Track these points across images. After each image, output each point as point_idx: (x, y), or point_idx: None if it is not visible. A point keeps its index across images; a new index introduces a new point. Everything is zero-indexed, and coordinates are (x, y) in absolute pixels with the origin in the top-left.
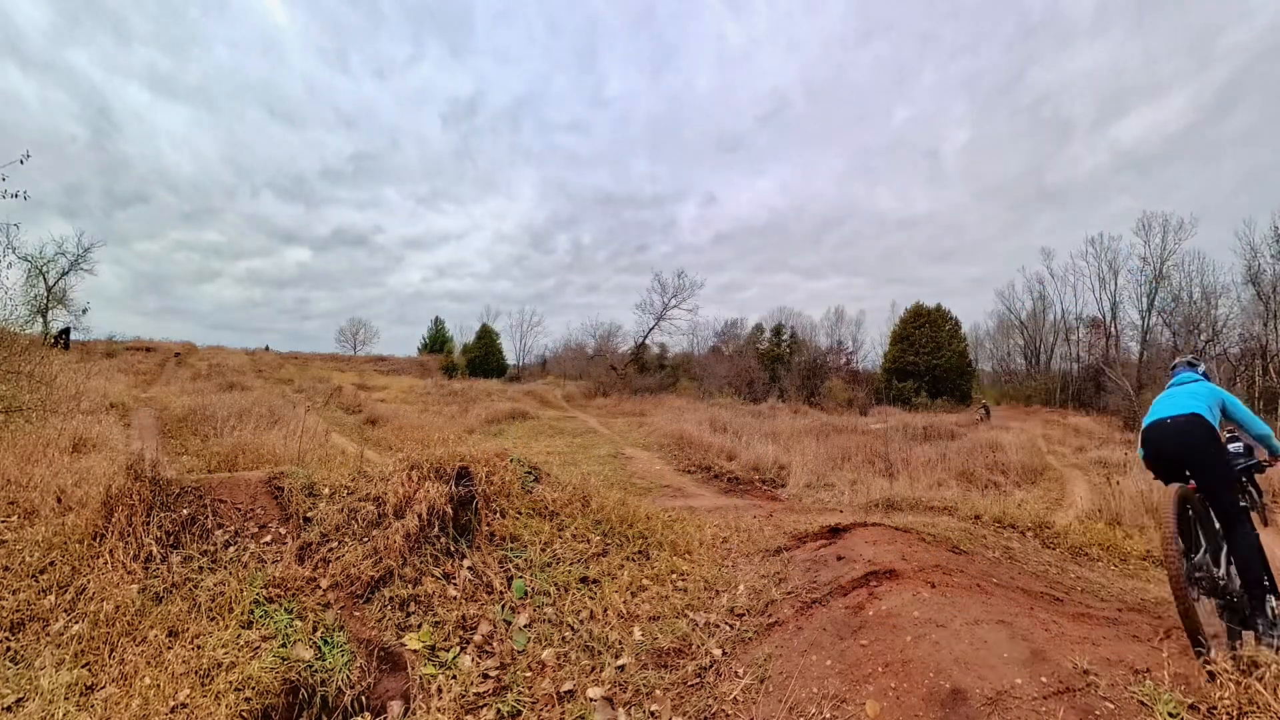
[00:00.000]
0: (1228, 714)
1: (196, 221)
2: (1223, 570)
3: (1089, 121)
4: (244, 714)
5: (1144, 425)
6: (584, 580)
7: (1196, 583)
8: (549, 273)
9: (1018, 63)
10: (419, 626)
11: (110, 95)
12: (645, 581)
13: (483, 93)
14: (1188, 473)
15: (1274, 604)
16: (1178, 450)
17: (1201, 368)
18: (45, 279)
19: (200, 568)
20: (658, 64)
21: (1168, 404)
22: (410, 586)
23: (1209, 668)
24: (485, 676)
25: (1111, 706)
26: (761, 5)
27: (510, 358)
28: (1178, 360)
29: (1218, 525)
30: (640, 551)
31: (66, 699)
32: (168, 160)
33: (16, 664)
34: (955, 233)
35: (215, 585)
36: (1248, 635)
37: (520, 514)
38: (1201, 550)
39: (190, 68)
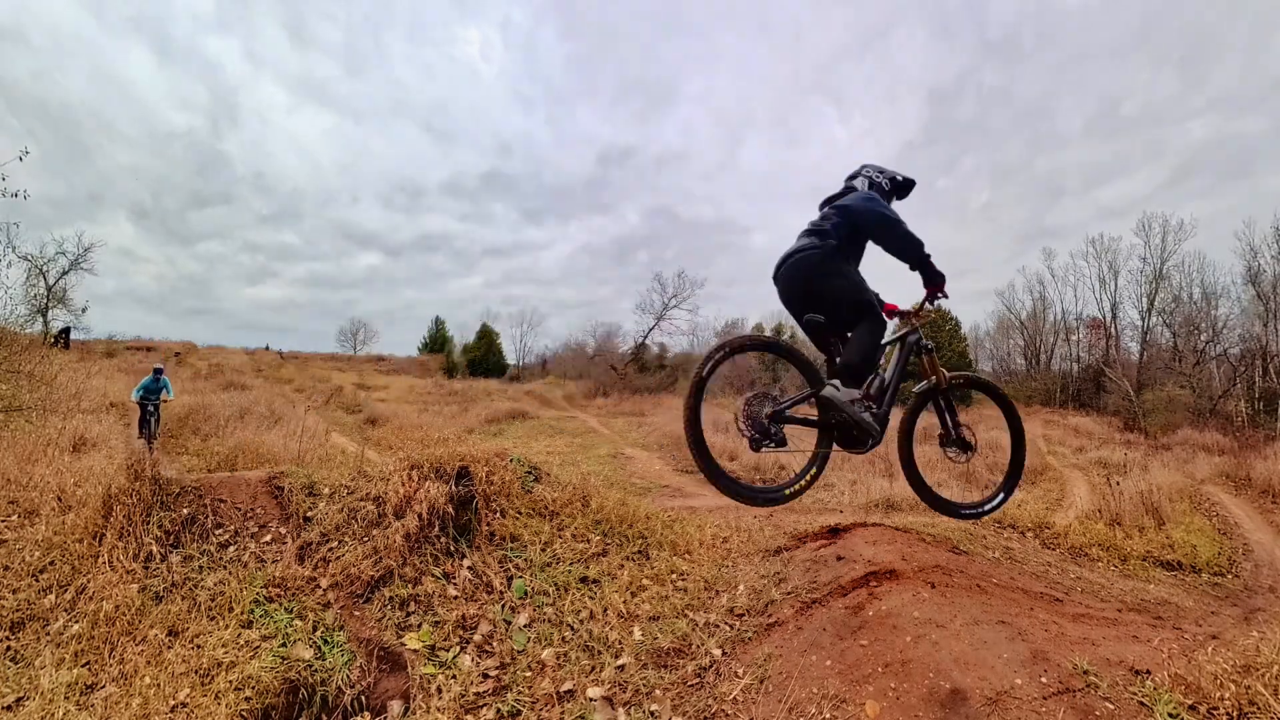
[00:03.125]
0: (1228, 714)
1: (275, 224)
2: None
3: (1077, 188)
4: (244, 713)
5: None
6: (584, 580)
7: None
8: (610, 280)
9: (1028, 154)
10: (419, 626)
11: (243, 91)
12: (645, 581)
13: (643, 147)
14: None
15: None
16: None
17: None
18: (45, 278)
19: (200, 567)
20: (784, 146)
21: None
22: (410, 586)
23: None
24: (485, 676)
25: (1111, 707)
26: (860, 117)
27: (510, 358)
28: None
29: None
30: (640, 551)
31: (66, 698)
32: (272, 163)
33: (17, 663)
34: (972, 257)
35: (215, 585)
36: None
37: (520, 514)
38: None
39: (356, 79)
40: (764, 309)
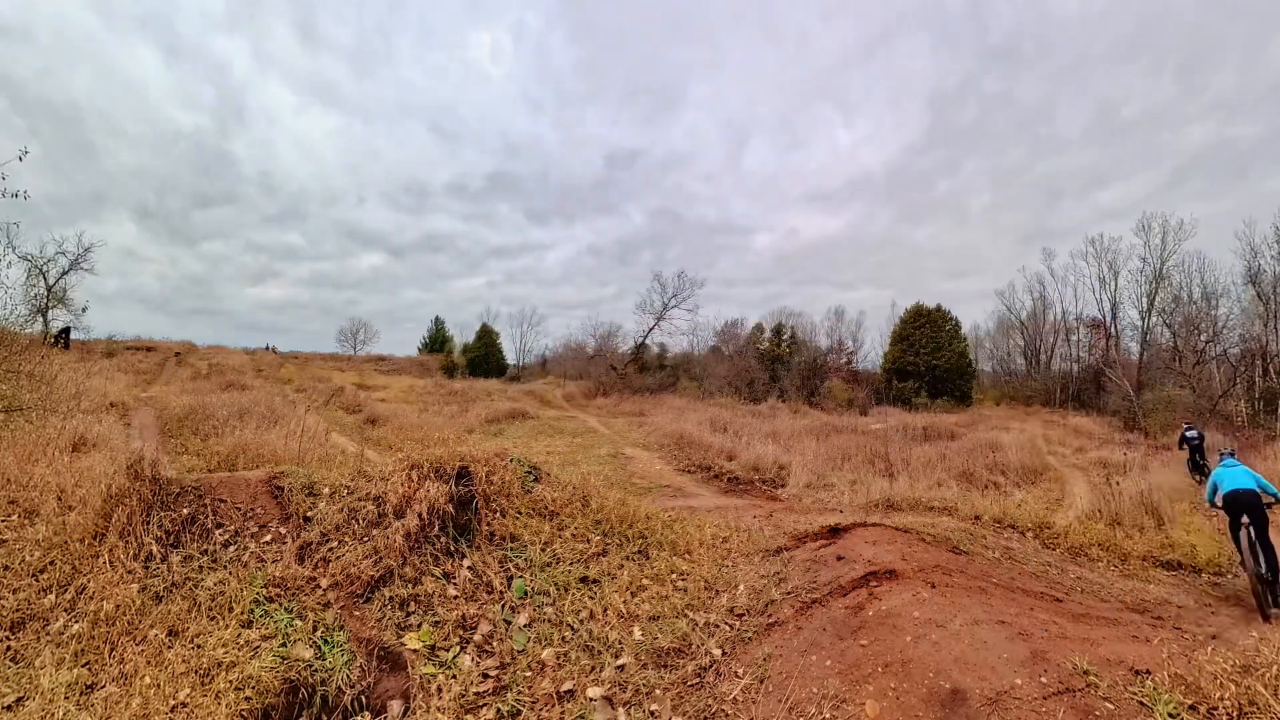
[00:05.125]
0: (1228, 714)
1: (280, 223)
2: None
3: (1077, 190)
4: (244, 713)
5: (1224, 492)
6: (584, 580)
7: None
8: (612, 281)
9: (1029, 157)
10: (419, 626)
11: (251, 91)
12: (645, 581)
13: (648, 150)
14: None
15: None
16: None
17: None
18: (45, 278)
19: (200, 567)
20: (787, 149)
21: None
22: (410, 586)
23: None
24: (485, 676)
25: (1111, 707)
26: (863, 121)
27: (510, 357)
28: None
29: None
30: (640, 551)
31: (67, 698)
32: (278, 163)
33: (17, 663)
34: (972, 258)
35: (215, 585)
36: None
37: (520, 514)
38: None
39: (365, 81)
40: (763, 309)
